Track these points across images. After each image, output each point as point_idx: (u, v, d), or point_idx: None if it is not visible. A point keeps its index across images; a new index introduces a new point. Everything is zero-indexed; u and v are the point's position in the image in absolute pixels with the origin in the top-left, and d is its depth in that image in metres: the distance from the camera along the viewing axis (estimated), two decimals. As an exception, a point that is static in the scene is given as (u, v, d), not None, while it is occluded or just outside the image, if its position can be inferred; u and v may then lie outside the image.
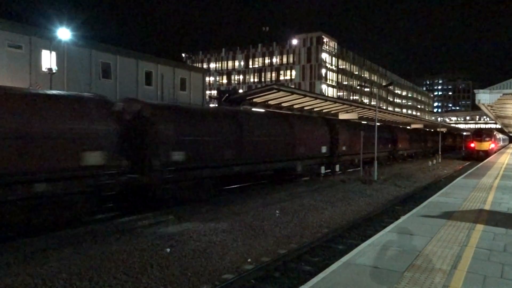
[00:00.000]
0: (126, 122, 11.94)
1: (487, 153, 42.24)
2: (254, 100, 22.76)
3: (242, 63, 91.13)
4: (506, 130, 72.11)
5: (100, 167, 10.58)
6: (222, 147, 14.58)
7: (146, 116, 12.38)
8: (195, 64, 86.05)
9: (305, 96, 24.27)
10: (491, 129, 56.50)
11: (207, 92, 59.48)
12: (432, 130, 57.18)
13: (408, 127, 46.20)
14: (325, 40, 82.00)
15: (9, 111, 9.05)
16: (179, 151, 12.77)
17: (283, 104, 25.07)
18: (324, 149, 22.12)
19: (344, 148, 24.44)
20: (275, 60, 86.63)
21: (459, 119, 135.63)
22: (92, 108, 10.77)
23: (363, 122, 32.95)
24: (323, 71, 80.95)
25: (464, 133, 71.85)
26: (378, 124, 24.13)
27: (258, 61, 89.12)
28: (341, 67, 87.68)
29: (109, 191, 11.39)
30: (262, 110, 22.08)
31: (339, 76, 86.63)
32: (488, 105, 24.00)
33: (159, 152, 12.31)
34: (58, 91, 11.86)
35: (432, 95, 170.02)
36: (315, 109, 28.69)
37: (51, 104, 10.06)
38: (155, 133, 12.32)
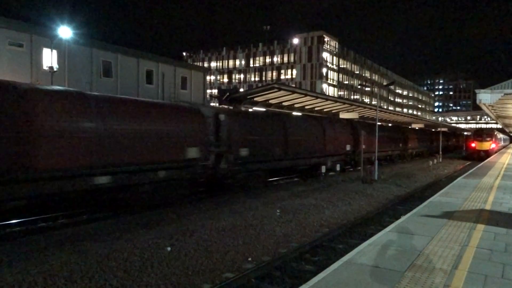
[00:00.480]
0: (208, 124, 14.60)
1: (487, 153, 42.20)
2: (255, 99, 22.74)
3: (243, 62, 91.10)
4: (507, 130, 72.05)
5: (196, 159, 13.66)
6: (273, 145, 17.88)
7: (222, 119, 15.29)
8: (196, 63, 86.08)
9: (306, 95, 24.24)
10: (492, 129, 56.47)
11: (208, 91, 59.47)
12: (437, 130, 58.83)
13: (416, 128, 47.76)
14: (326, 39, 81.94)
15: (153, 116, 12.27)
16: (245, 148, 16.02)
17: (284, 104, 25.05)
18: (348, 147, 25.33)
19: (364, 146, 26.65)
20: (276, 59, 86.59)
21: (460, 119, 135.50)
22: (190, 114, 13.98)
23: (377, 123, 33.01)
24: (324, 70, 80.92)
25: (466, 133, 71.92)
26: (390, 125, 26.69)
27: (259, 60, 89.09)
28: (342, 66, 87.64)
29: (200, 178, 14.45)
30: (299, 114, 25.00)
31: (340, 76, 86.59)
32: (489, 105, 23.96)
33: (233, 149, 15.41)
34: (163, 101, 17.80)
35: (433, 95, 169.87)
36: (316, 109, 28.65)
37: (168, 111, 13.22)
38: (229, 134, 15.28)
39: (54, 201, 10.67)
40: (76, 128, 9.98)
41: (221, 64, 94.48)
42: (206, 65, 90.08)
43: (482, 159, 38.08)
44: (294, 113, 24.64)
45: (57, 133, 9.51)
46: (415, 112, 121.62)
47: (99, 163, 10.45)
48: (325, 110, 29.82)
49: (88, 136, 10.19)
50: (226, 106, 19.42)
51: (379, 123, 34.73)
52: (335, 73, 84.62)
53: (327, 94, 68.36)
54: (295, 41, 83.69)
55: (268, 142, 17.40)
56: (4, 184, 8.74)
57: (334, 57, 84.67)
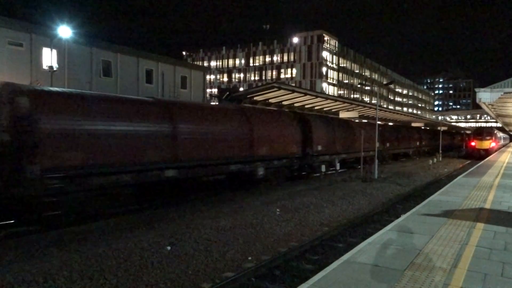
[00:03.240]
0: (297, 126, 19.27)
1: (487, 152, 42.19)
2: (255, 98, 22.76)
3: (243, 61, 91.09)
4: (506, 128, 72.09)
5: (294, 153, 18.79)
6: (334, 142, 22.76)
7: (306, 121, 20.31)
8: (195, 62, 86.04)
9: (305, 94, 24.25)
10: (491, 128, 56.45)
11: (208, 90, 59.48)
12: (445, 129, 64.30)
13: (428, 128, 51.72)
14: (326, 38, 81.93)
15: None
16: (320, 145, 20.98)
17: (284, 103, 25.07)
18: (378, 145, 28.22)
19: (387, 144, 32.46)
20: (276, 58, 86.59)
21: (459, 118, 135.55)
22: (290, 119, 19.30)
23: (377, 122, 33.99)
24: (324, 69, 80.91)
25: (467, 132, 72.01)
26: (416, 125, 32.29)
27: (259, 59, 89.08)
28: (342, 65, 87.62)
29: (292, 168, 19.48)
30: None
31: (340, 75, 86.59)
32: (489, 104, 23.99)
33: (312, 145, 20.27)
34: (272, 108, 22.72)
35: (432, 94, 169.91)
36: (316, 108, 28.67)
37: (277, 117, 18.80)
38: (311, 134, 20.20)
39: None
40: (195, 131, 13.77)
41: (221, 63, 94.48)
42: (206, 64, 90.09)
43: (482, 158, 38.07)
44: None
45: (188, 135, 13.10)
46: (415, 111, 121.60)
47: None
48: (325, 109, 29.84)
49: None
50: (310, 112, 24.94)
51: (391, 123, 38.41)
52: (335, 72, 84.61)
53: (327, 93, 68.34)
54: (295, 40, 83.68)
55: (331, 139, 22.53)
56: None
57: (334, 56, 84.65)
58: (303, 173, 20.84)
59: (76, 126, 9.98)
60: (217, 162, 14.22)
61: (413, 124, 49.15)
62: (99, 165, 10.43)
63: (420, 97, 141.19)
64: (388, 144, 32.50)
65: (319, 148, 21.01)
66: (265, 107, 22.17)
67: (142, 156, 11.49)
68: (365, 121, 35.31)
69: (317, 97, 25.78)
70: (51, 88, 11.53)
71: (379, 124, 27.92)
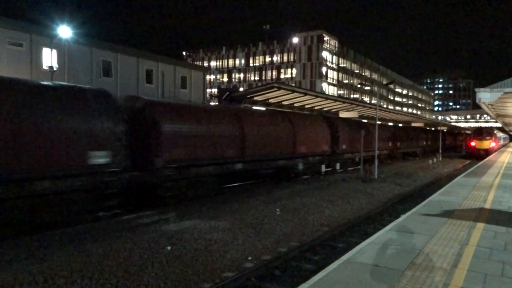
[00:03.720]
0: (326, 127, 22.71)
1: (487, 152, 42.18)
2: (255, 98, 22.76)
3: (243, 61, 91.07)
4: (506, 128, 72.04)
5: (326, 151, 22.37)
6: (356, 141, 24.63)
7: (333, 123, 23.84)
8: (195, 62, 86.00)
9: (305, 94, 24.25)
10: (491, 128, 56.43)
11: (208, 90, 59.47)
12: (449, 130, 69.59)
13: (433, 129, 54.14)
14: (326, 38, 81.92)
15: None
16: (345, 144, 24.60)
17: (284, 103, 25.07)
18: (390, 144, 33.17)
19: (398, 144, 36.75)
20: (276, 58, 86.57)
21: (459, 118, 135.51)
22: (321, 121, 22.86)
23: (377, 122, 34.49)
24: (324, 69, 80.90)
25: (467, 132, 72.11)
26: (422, 127, 37.10)
27: (259, 59, 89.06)
28: (342, 65, 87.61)
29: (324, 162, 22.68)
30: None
31: (340, 75, 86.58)
32: (489, 104, 23.95)
33: (338, 144, 23.89)
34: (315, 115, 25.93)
35: (432, 94, 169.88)
36: (316, 108, 28.67)
37: (312, 120, 22.55)
38: (337, 134, 23.72)
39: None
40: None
41: (220, 63, 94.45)
42: (206, 64, 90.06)
43: (481, 158, 38.07)
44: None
45: (251, 137, 16.15)
46: (414, 111, 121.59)
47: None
48: (325, 109, 29.84)
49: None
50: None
51: (400, 125, 41.08)
52: (334, 72, 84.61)
53: (327, 93, 68.35)
54: (295, 40, 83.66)
55: (353, 139, 25.19)
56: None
57: (334, 56, 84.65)
58: (329, 168, 23.92)
59: (183, 129, 13.26)
60: (270, 158, 17.78)
61: (413, 124, 49.17)
62: (196, 159, 13.72)
63: (420, 97, 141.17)
64: (399, 144, 36.96)
65: (344, 147, 24.86)
66: (302, 112, 25.77)
67: (223, 153, 14.88)
68: (379, 122, 37.57)
69: (317, 97, 25.79)
70: (168, 101, 17.83)
71: (393, 125, 31.68)
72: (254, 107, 21.43)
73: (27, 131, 8.94)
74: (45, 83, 10.64)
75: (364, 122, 31.04)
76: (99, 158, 10.59)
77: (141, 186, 12.52)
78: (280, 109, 23.35)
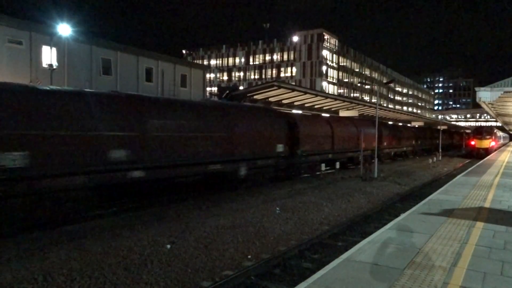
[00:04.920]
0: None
1: (487, 151, 42.19)
2: (255, 97, 22.76)
3: (243, 60, 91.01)
4: (506, 128, 72.07)
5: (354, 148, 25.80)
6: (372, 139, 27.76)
7: (355, 127, 26.61)
8: (195, 61, 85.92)
9: (305, 93, 24.28)
10: (491, 127, 56.44)
11: (208, 88, 59.43)
12: (454, 130, 75.09)
13: (439, 128, 56.20)
14: (326, 37, 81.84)
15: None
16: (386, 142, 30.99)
17: (284, 101, 25.06)
18: (280, 148, 32.84)
19: (413, 142, 41.35)
20: (276, 57, 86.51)
21: (459, 117, 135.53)
22: (352, 123, 26.81)
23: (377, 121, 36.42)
24: (324, 68, 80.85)
25: (467, 131, 72.35)
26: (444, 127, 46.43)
27: (259, 58, 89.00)
28: (342, 64, 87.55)
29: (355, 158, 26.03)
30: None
31: (340, 74, 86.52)
32: (489, 103, 23.97)
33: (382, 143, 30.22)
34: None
35: (432, 93, 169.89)
36: (316, 106, 28.66)
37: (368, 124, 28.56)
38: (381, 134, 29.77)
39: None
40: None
41: (220, 62, 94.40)
42: (206, 63, 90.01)
43: (481, 157, 38.07)
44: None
45: (307, 135, 20.52)
46: (415, 110, 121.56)
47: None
48: (324, 108, 29.84)
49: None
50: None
51: (411, 125, 44.30)
52: (335, 71, 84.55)
53: (326, 92, 68.32)
54: (295, 39, 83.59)
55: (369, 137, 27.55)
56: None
57: (334, 55, 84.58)
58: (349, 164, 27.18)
59: (309, 131, 20.45)
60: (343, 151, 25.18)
61: (413, 123, 49.20)
62: (313, 151, 20.86)
63: (420, 96, 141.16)
64: (413, 142, 41.84)
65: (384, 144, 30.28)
66: (344, 116, 30.05)
67: (323, 146, 21.98)
68: (401, 124, 45.61)
69: (317, 95, 25.80)
70: (304, 115, 24.15)
71: (411, 126, 38.21)
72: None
73: (262, 134, 16.85)
74: (264, 110, 19.15)
75: (392, 124, 38.77)
76: (279, 148, 17.93)
77: (290, 165, 19.32)
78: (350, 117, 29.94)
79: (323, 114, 28.15)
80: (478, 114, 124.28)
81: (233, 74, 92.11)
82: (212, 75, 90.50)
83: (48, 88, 10.89)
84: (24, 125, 9.19)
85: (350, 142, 25.56)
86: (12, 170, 8.88)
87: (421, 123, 51.15)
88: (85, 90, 11.94)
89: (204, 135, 13.74)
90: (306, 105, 27.36)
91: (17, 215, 9.34)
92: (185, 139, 13.03)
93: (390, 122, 41.47)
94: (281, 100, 24.54)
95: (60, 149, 9.74)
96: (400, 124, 44.18)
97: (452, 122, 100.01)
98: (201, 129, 13.69)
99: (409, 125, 49.40)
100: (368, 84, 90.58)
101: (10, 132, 8.93)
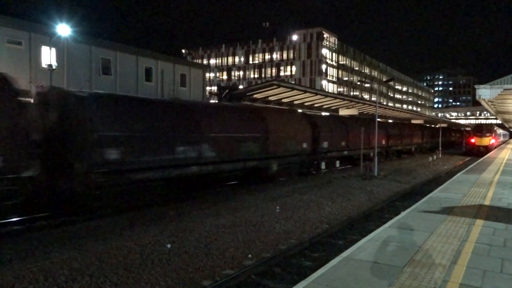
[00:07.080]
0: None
1: (487, 149, 42.19)
2: (255, 96, 22.77)
3: (242, 59, 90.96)
4: (506, 125, 72.04)
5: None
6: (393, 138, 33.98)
7: (364, 126, 25.30)
8: (195, 60, 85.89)
9: (305, 92, 24.27)
10: (491, 125, 56.40)
11: (207, 88, 59.38)
12: (455, 128, 76.96)
13: (443, 126, 57.65)
14: (325, 35, 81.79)
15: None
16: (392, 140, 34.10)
17: (284, 100, 25.05)
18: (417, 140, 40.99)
19: (424, 139, 44.55)
20: (275, 56, 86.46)
21: (459, 115, 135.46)
22: (365, 123, 27.15)
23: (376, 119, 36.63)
24: (324, 67, 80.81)
25: (467, 128, 72.47)
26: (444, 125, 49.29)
27: (258, 57, 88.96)
28: (342, 62, 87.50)
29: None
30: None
31: (340, 72, 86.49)
32: (489, 101, 23.97)
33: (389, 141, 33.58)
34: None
35: (432, 91, 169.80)
36: (315, 105, 28.66)
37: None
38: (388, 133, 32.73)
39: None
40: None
41: (220, 61, 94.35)
42: (205, 62, 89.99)
43: (481, 154, 38.07)
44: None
45: (326, 134, 22.49)
46: (414, 108, 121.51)
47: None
48: (324, 106, 29.84)
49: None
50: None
51: (420, 123, 49.02)
52: (334, 69, 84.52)
53: (326, 90, 68.28)
54: (294, 37, 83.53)
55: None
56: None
57: (334, 54, 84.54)
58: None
59: (328, 130, 22.31)
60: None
61: (413, 121, 49.17)
62: (331, 148, 23.11)
63: (420, 94, 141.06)
64: (424, 139, 45.62)
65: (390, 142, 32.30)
66: (360, 116, 30.47)
67: (340, 144, 24.65)
68: (417, 122, 48.67)
69: (316, 94, 25.81)
70: (326, 116, 26.91)
71: (417, 123, 41.58)
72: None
73: (290, 135, 18.76)
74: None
75: (403, 123, 40.87)
76: (304, 146, 19.68)
77: (312, 161, 21.24)
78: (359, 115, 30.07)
79: (336, 114, 29.17)
80: (478, 112, 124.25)
81: (232, 73, 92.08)
82: (212, 75, 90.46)
83: (142, 97, 14.88)
84: (120, 127, 11.38)
85: (361, 140, 25.94)
86: (110, 162, 10.94)
87: (421, 121, 50.99)
88: (158, 98, 18.35)
89: (244, 135, 15.81)
90: (306, 103, 27.36)
91: (113, 201, 11.49)
92: (231, 139, 15.07)
93: (390, 121, 41.67)
94: (281, 99, 24.55)
95: (143, 146, 11.89)
96: (406, 122, 45.31)
97: (452, 120, 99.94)
98: (242, 130, 15.76)
99: (414, 121, 49.60)
100: (367, 83, 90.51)
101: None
